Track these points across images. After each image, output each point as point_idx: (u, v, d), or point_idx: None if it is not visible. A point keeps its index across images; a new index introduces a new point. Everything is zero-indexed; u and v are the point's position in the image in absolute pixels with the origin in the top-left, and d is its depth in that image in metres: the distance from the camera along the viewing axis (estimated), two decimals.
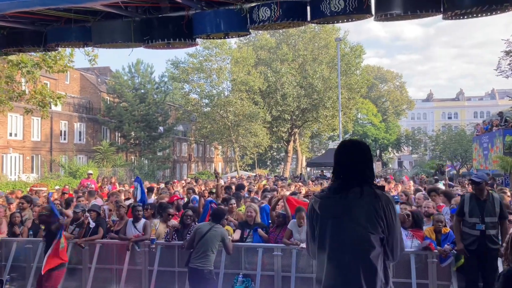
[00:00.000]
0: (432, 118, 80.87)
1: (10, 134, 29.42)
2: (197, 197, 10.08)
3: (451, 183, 14.90)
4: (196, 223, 7.53)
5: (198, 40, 4.69)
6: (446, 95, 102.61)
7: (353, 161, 2.71)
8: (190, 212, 7.49)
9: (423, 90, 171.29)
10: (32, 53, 12.90)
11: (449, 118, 79.38)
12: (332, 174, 2.83)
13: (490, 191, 6.15)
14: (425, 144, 61.08)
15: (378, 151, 60.21)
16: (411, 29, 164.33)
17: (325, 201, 2.71)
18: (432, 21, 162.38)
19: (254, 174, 31.99)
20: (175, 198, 9.63)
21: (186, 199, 10.34)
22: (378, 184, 2.75)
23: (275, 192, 9.93)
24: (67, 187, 16.76)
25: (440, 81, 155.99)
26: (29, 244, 7.93)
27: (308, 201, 8.04)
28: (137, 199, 8.71)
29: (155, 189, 12.38)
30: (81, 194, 10.73)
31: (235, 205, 8.39)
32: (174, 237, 7.39)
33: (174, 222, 7.75)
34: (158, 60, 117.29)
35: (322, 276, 2.64)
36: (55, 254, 6.13)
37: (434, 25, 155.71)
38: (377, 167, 56.36)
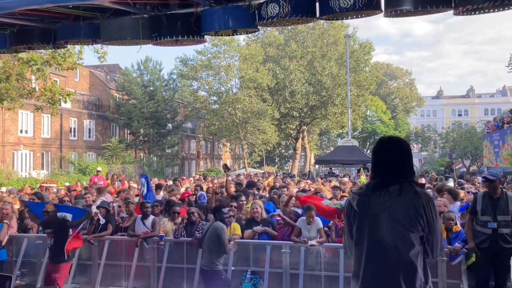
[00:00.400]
0: (442, 115, 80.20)
1: (21, 131, 29.70)
2: (205, 193, 10.10)
3: (461, 180, 14.76)
4: (204, 220, 7.55)
5: (207, 37, 4.68)
6: (456, 92, 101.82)
7: (392, 158, 2.66)
8: (193, 209, 7.49)
9: (432, 87, 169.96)
10: (42, 50, 12.99)
11: (459, 115, 78.65)
12: (370, 171, 2.81)
13: (503, 189, 6.08)
14: (435, 142, 60.59)
15: None
16: (421, 25, 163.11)
17: (363, 198, 2.66)
18: (441, 17, 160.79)
19: (262, 171, 31.99)
20: (187, 194, 9.67)
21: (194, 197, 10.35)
22: (418, 182, 2.71)
23: (285, 189, 9.88)
24: (78, 183, 16.90)
25: (450, 78, 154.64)
26: (39, 240, 8.00)
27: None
28: (143, 195, 8.74)
29: (164, 186, 12.43)
30: (87, 191, 10.80)
31: (245, 202, 8.33)
32: (182, 234, 7.41)
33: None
34: (167, 58, 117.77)
35: (360, 273, 2.61)
36: (77, 237, 6.51)
37: (444, 22, 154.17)
38: None
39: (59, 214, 6.57)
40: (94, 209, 8.24)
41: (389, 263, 2.51)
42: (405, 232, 2.52)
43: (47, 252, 7.58)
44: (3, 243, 7.48)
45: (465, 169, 43.62)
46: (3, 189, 15.27)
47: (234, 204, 7.84)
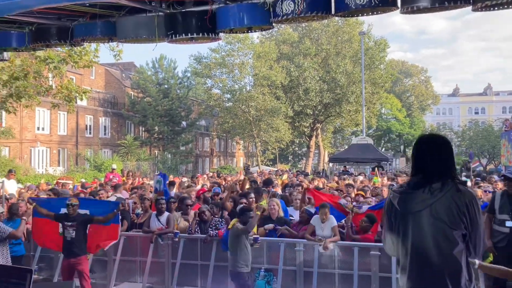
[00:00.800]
0: (458, 113, 79.09)
1: (38, 128, 30.15)
2: (219, 188, 10.17)
3: (477, 179, 14.53)
4: (219, 217, 7.58)
5: (221, 35, 4.68)
6: (473, 89, 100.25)
7: (434, 156, 2.65)
8: (204, 208, 7.53)
9: (448, 84, 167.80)
10: (59, 48, 13.15)
11: (476, 113, 77.46)
12: (412, 169, 2.78)
13: None
14: (451, 140, 59.68)
15: (402, 147, 59.33)
16: (437, 22, 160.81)
17: (405, 196, 2.65)
18: (458, 14, 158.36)
19: (276, 169, 31.96)
20: (201, 191, 9.71)
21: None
22: (461, 180, 2.69)
23: (299, 188, 9.85)
24: (96, 180, 17.11)
25: (466, 75, 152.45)
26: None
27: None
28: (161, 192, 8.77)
29: (178, 182, 12.51)
30: (101, 188, 10.92)
31: (254, 199, 8.29)
32: (196, 230, 7.45)
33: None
34: (181, 55, 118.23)
35: (406, 267, 2.62)
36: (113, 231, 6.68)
37: (461, 18, 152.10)
38: (401, 162, 55.58)
39: (79, 210, 6.69)
40: None
41: (434, 261, 2.53)
42: (448, 230, 2.51)
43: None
44: (23, 239, 7.62)
45: (481, 168, 42.98)
46: (21, 185, 15.53)
47: (244, 201, 7.86)
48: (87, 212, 6.81)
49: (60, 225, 6.66)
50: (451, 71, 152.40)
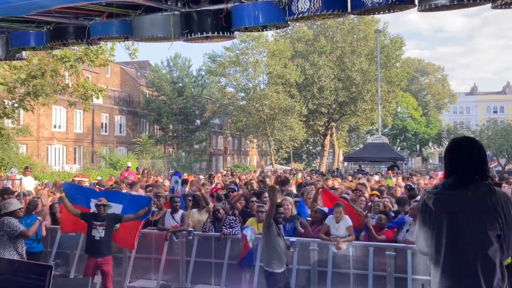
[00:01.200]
0: (476, 112, 77.84)
1: (55, 126, 30.59)
2: (235, 186, 10.20)
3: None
4: (232, 215, 7.58)
5: (236, 34, 4.67)
6: (492, 88, 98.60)
7: (467, 157, 2.74)
8: (219, 206, 7.54)
9: (466, 83, 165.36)
10: (75, 47, 13.31)
11: (495, 112, 76.15)
12: (446, 170, 2.85)
13: None
14: None
15: (418, 146, 58.67)
16: (454, 20, 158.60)
17: (440, 196, 2.72)
18: (477, 11, 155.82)
19: (290, 168, 31.89)
20: (215, 189, 9.73)
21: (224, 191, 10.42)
22: (495, 181, 2.76)
23: (312, 186, 9.81)
24: (113, 177, 17.28)
25: (485, 74, 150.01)
26: (72, 232, 8.22)
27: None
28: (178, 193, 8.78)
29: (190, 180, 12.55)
30: (117, 185, 11.02)
31: (268, 198, 8.28)
32: (210, 228, 7.48)
33: None
34: (195, 54, 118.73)
35: (439, 272, 2.68)
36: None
37: (479, 16, 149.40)
38: (416, 162, 54.97)
39: (113, 204, 6.76)
40: None
41: (469, 260, 2.59)
42: (483, 230, 2.57)
43: (80, 243, 7.80)
44: (43, 233, 7.74)
45: (500, 168, 42.29)
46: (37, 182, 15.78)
47: (254, 199, 7.85)
48: (120, 206, 6.85)
49: (87, 224, 6.64)
50: (469, 69, 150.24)
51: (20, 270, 2.32)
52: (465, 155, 2.75)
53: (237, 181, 13.68)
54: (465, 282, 2.59)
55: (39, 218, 6.74)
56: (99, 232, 6.53)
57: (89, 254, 6.64)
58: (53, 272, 7.43)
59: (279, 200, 7.61)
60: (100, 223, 6.55)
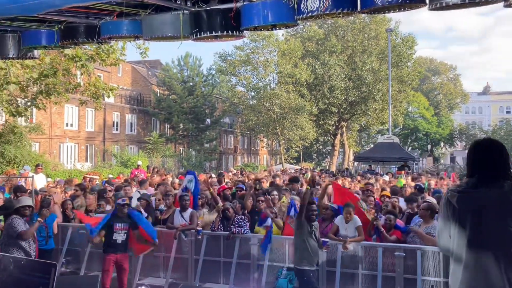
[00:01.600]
0: (488, 112, 76.91)
1: (67, 125, 30.90)
2: (243, 185, 10.18)
3: None
4: (240, 215, 7.58)
5: (246, 33, 4.67)
6: (506, 88, 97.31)
7: (491, 158, 2.83)
8: (228, 205, 7.55)
9: (479, 83, 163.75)
10: (87, 46, 13.42)
11: (508, 112, 75.17)
12: (469, 170, 2.94)
13: None
14: None
15: (429, 146, 58.18)
16: (467, 19, 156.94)
17: (464, 195, 2.79)
18: (490, 10, 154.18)
19: (300, 167, 31.83)
20: (222, 189, 9.74)
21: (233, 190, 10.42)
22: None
23: (318, 186, 9.78)
24: (121, 175, 17.41)
25: (498, 73, 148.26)
26: (82, 229, 8.30)
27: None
28: (192, 192, 8.69)
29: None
30: (127, 183, 11.06)
31: (276, 197, 8.26)
32: (219, 227, 7.49)
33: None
34: (206, 53, 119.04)
35: (460, 270, 2.73)
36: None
37: (493, 14, 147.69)
38: (428, 162, 54.53)
39: (129, 211, 6.84)
40: (134, 201, 8.44)
41: (491, 258, 2.64)
42: (506, 228, 2.63)
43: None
44: (54, 231, 7.82)
45: None
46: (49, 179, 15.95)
47: (262, 198, 7.84)
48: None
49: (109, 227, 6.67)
50: (482, 69, 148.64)
51: (25, 267, 2.35)
52: (488, 155, 2.84)
53: (246, 180, 13.67)
54: (487, 280, 2.63)
55: (39, 219, 6.62)
56: (121, 236, 6.64)
57: (108, 252, 6.69)
58: (63, 269, 7.51)
59: (284, 199, 7.60)
60: (122, 225, 6.62)
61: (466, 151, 2.97)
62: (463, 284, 2.71)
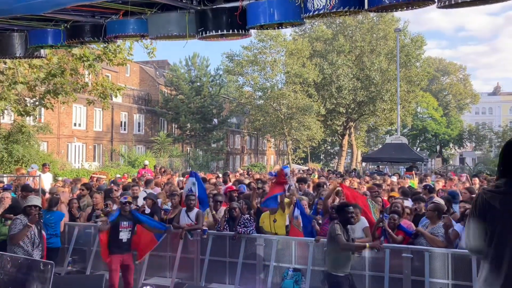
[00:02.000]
0: (499, 113, 76.15)
1: (75, 124, 31.08)
2: (244, 186, 10.16)
3: None
4: (246, 215, 7.55)
5: (253, 32, 4.64)
6: None
7: None
8: (235, 205, 7.52)
9: (489, 83, 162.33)
10: (94, 46, 13.47)
11: None
12: (504, 170, 2.92)
13: None
14: (490, 141, 57.67)
15: (438, 147, 57.73)
16: (477, 18, 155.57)
17: (504, 196, 2.78)
18: (500, 9, 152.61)
19: (307, 168, 31.74)
20: (228, 189, 9.71)
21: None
22: None
23: (324, 187, 9.73)
24: (126, 175, 17.47)
25: (509, 73, 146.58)
26: (89, 229, 8.32)
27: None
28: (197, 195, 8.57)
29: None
30: (135, 183, 11.09)
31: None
32: (225, 227, 7.46)
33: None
34: (214, 53, 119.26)
35: (496, 272, 2.72)
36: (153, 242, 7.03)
37: (503, 14, 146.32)
38: (436, 163, 54.09)
39: (133, 211, 6.91)
40: (140, 200, 8.44)
41: None
42: None
43: (96, 240, 7.87)
44: (61, 229, 7.85)
45: None
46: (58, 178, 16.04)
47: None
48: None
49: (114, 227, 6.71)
50: (492, 69, 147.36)
51: (22, 266, 2.35)
52: None
53: (253, 180, 13.62)
54: None
55: (28, 224, 6.04)
56: (126, 234, 6.70)
57: (115, 252, 6.72)
58: (70, 268, 7.49)
59: (287, 201, 7.48)
60: (127, 223, 6.69)
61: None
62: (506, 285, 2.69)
